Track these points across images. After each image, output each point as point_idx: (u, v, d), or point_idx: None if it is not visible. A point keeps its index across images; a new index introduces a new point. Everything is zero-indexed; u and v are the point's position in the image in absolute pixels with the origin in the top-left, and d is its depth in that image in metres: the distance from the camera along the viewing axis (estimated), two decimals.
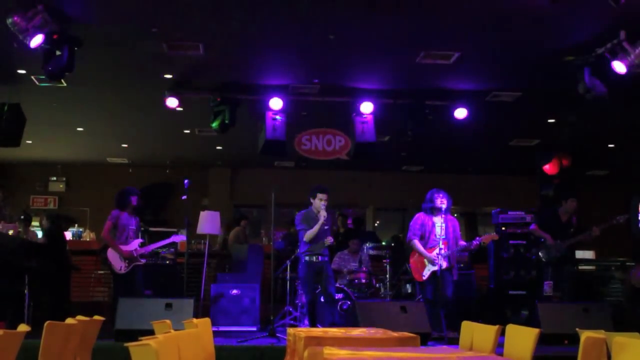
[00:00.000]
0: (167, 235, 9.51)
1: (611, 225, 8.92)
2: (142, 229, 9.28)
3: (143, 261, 8.78)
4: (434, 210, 8.55)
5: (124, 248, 8.57)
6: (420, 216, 8.70)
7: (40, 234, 10.93)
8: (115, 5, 7.25)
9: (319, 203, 8.31)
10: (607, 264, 11.93)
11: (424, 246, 8.52)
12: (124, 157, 15.18)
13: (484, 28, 7.76)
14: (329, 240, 8.32)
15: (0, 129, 9.70)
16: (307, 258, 8.29)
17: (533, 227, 9.60)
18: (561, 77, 8.66)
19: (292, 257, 9.91)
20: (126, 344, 2.93)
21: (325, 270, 8.33)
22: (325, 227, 8.31)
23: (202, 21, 7.64)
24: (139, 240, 8.74)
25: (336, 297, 8.78)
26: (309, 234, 8.26)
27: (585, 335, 3.73)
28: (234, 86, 9.86)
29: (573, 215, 9.33)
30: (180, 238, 9.45)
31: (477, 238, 8.63)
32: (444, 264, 8.33)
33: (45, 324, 3.76)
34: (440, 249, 8.29)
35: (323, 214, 8.22)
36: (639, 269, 10.37)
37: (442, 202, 8.52)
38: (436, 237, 8.45)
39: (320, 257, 8.31)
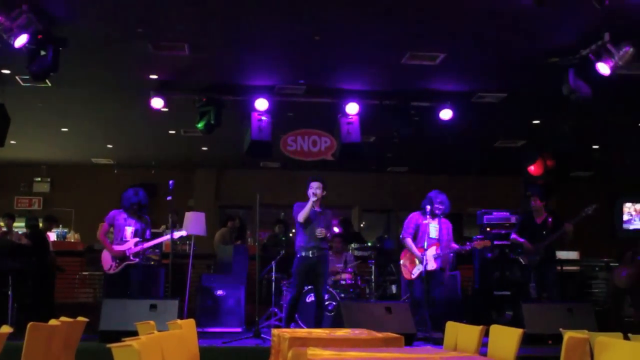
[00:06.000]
0: (157, 235, 9.37)
1: (581, 218, 8.89)
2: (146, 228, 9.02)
3: (136, 260, 8.54)
4: (427, 213, 8.55)
5: (116, 248, 8.51)
6: (414, 215, 8.71)
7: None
8: (100, 5, 7.22)
9: (310, 193, 8.11)
10: (591, 265, 12.00)
11: (416, 246, 8.54)
12: (109, 157, 15.12)
13: (470, 29, 7.78)
14: (321, 231, 8.02)
15: None
16: (302, 253, 8.08)
17: (513, 235, 9.53)
18: (546, 79, 8.71)
19: (278, 257, 9.89)
20: (108, 345, 2.91)
21: (319, 269, 8.09)
22: (319, 220, 8.12)
23: (187, 21, 7.62)
24: (135, 240, 8.57)
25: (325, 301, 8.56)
26: (301, 214, 8.03)
27: (568, 335, 3.75)
28: (219, 87, 9.84)
29: (548, 215, 9.27)
30: (179, 234, 9.20)
31: (469, 243, 8.67)
32: (434, 265, 8.36)
33: (28, 325, 3.74)
34: (435, 250, 8.34)
35: (312, 193, 8.03)
36: (623, 269, 10.43)
37: (439, 208, 8.51)
38: (428, 238, 8.46)
39: (315, 252, 8.05)
